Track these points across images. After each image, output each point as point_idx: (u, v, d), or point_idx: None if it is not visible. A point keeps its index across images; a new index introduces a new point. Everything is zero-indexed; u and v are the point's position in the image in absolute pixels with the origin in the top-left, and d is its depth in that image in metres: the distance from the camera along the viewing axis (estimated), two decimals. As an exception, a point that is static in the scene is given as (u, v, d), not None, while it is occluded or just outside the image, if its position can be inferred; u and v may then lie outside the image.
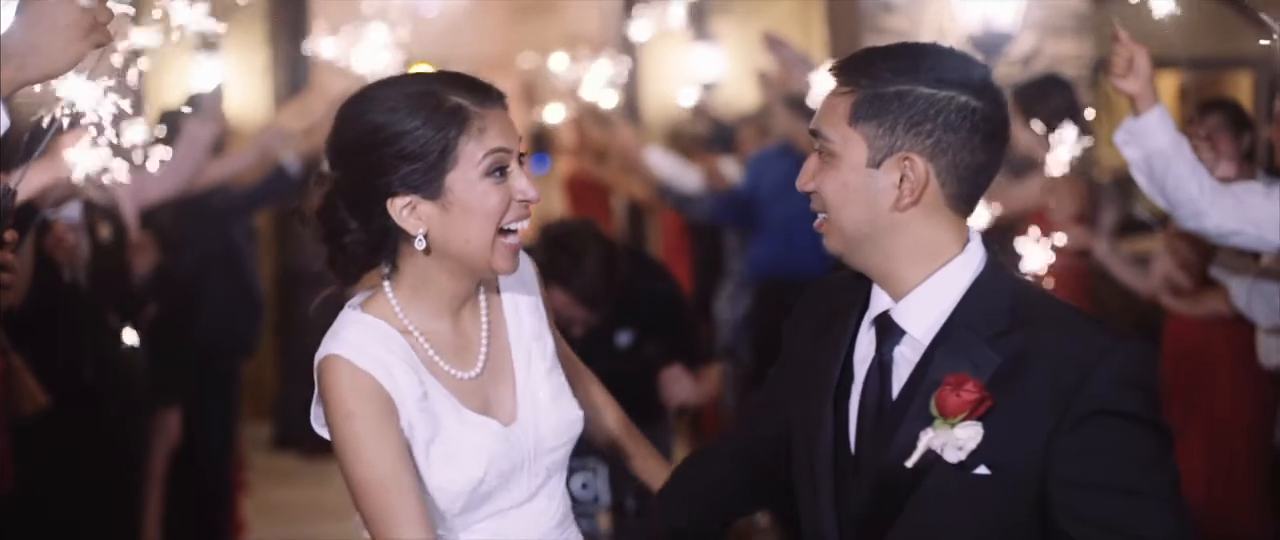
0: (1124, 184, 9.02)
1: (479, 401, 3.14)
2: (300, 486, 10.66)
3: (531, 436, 3.16)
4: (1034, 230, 6.28)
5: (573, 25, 17.70)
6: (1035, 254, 6.58)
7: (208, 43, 8.87)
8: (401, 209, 3.02)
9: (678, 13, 10.55)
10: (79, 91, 3.43)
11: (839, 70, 2.93)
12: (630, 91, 12.38)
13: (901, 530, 2.80)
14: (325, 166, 3.13)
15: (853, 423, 2.92)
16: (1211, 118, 6.66)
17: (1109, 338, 2.78)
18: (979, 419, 2.73)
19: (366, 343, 3.05)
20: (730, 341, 9.59)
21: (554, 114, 12.29)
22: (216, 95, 7.15)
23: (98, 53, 3.24)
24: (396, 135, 2.99)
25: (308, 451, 11.40)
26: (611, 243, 5.49)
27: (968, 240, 2.92)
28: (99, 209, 6.47)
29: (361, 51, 7.95)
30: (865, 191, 2.86)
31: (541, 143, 19.66)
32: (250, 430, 10.02)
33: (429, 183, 3.00)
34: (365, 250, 3.09)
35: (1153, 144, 5.16)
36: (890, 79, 2.85)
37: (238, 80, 11.13)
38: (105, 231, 6.51)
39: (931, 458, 2.76)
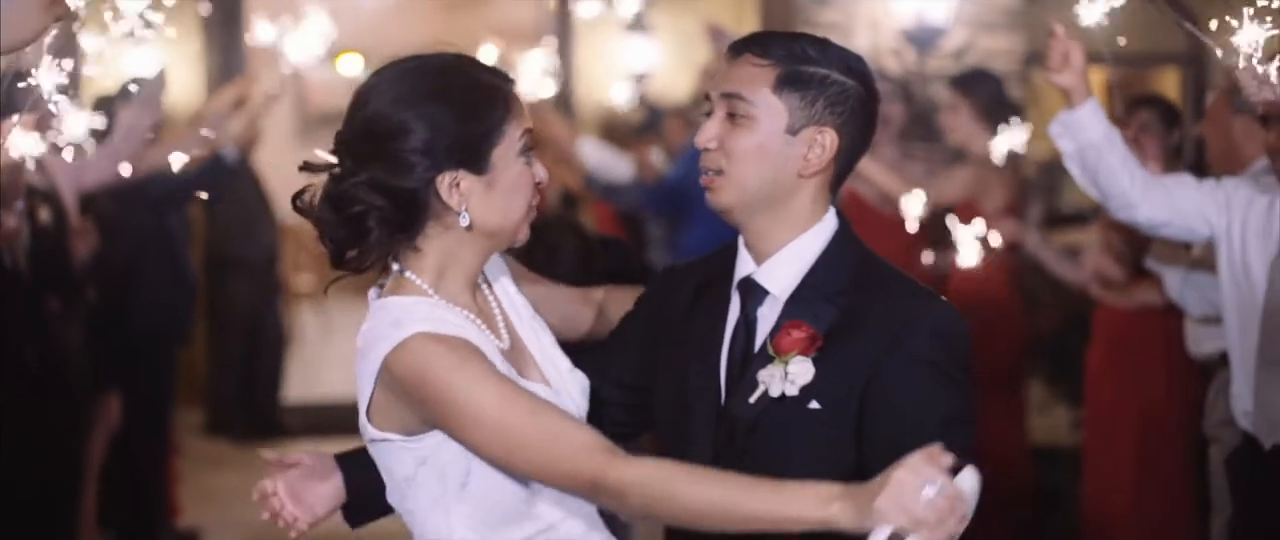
0: (1049, 176, 9.16)
1: (520, 369, 3.15)
2: (231, 472, 10.64)
3: (568, 401, 3.20)
4: (979, 223, 6.39)
5: (503, 16, 17.70)
6: (970, 245, 6.70)
7: (143, 29, 8.81)
8: (448, 185, 3.03)
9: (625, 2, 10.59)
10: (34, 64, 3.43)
11: (759, 44, 3.15)
12: (564, 82, 12.41)
13: (749, 463, 2.95)
14: (333, 153, 3.10)
15: (722, 378, 3.15)
16: (1141, 114, 6.77)
17: (929, 300, 3.12)
18: (811, 358, 3.01)
19: (436, 315, 3.04)
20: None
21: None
22: (158, 82, 7.14)
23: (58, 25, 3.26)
24: (448, 112, 3.02)
25: (238, 437, 11.42)
26: (588, 235, 5.54)
27: (826, 211, 3.18)
28: (39, 193, 6.46)
29: (298, 40, 7.92)
30: (778, 156, 3.12)
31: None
32: (181, 416, 10.00)
33: (477, 159, 3.04)
34: (390, 232, 3.05)
35: (1086, 137, 5.27)
36: (814, 60, 3.12)
37: (170, 67, 11.10)
38: (45, 216, 6.50)
39: (771, 396, 3.04)
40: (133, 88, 7.14)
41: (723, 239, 9.28)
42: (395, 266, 3.12)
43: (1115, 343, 7.03)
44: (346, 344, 13.08)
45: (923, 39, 8.88)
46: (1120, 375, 6.99)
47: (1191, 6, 7.60)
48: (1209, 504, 6.37)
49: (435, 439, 3.01)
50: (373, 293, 3.15)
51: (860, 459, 2.98)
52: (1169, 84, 11.13)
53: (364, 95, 3.08)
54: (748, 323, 3.15)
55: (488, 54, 12.30)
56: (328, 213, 3.08)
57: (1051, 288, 8.86)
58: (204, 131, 7.09)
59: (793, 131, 3.10)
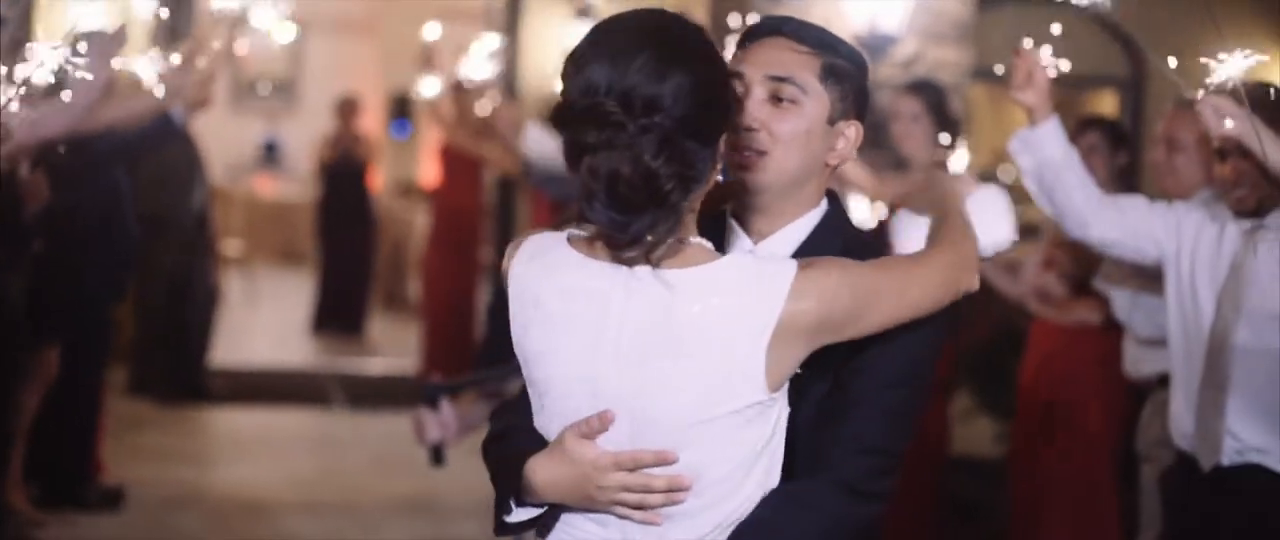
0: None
1: None
2: (154, 431, 10.67)
3: None
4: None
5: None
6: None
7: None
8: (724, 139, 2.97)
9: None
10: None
11: (794, 29, 3.16)
12: (508, 66, 12.44)
13: None
14: (635, 112, 2.78)
15: None
16: (1088, 135, 6.86)
17: None
18: None
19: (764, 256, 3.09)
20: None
21: (430, 86, 12.32)
22: (116, 37, 7.09)
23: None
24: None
25: (161, 398, 11.40)
26: None
27: (824, 195, 3.23)
28: (-8, 144, 6.42)
29: (256, 7, 7.88)
30: (819, 143, 3.14)
31: (403, 108, 19.70)
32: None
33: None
34: (683, 192, 2.84)
35: (1045, 154, 5.36)
36: (845, 54, 3.17)
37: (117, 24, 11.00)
38: (-2, 167, 6.46)
39: None
40: (83, 41, 7.08)
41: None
42: (692, 237, 2.92)
43: (1049, 358, 7.11)
44: (273, 311, 13.23)
45: (875, 45, 8.92)
46: (1052, 390, 7.08)
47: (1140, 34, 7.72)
48: (1136, 521, 6.49)
49: (782, 390, 2.93)
50: (641, 273, 2.85)
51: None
52: (1107, 107, 11.24)
53: (682, 48, 2.85)
54: None
55: (431, 33, 12.37)
56: (650, 175, 2.78)
57: (982, 301, 8.95)
58: (156, 90, 7.03)
59: (831, 122, 3.13)
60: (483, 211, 13.41)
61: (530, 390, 2.96)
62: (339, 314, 15.21)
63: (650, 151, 2.76)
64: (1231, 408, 5.00)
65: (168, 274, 11.32)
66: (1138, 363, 6.32)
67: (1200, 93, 4.56)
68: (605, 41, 2.83)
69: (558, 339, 2.87)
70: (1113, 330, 6.50)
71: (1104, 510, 6.99)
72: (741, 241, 3.19)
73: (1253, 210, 4.98)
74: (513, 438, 3.01)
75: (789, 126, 3.10)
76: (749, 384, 2.83)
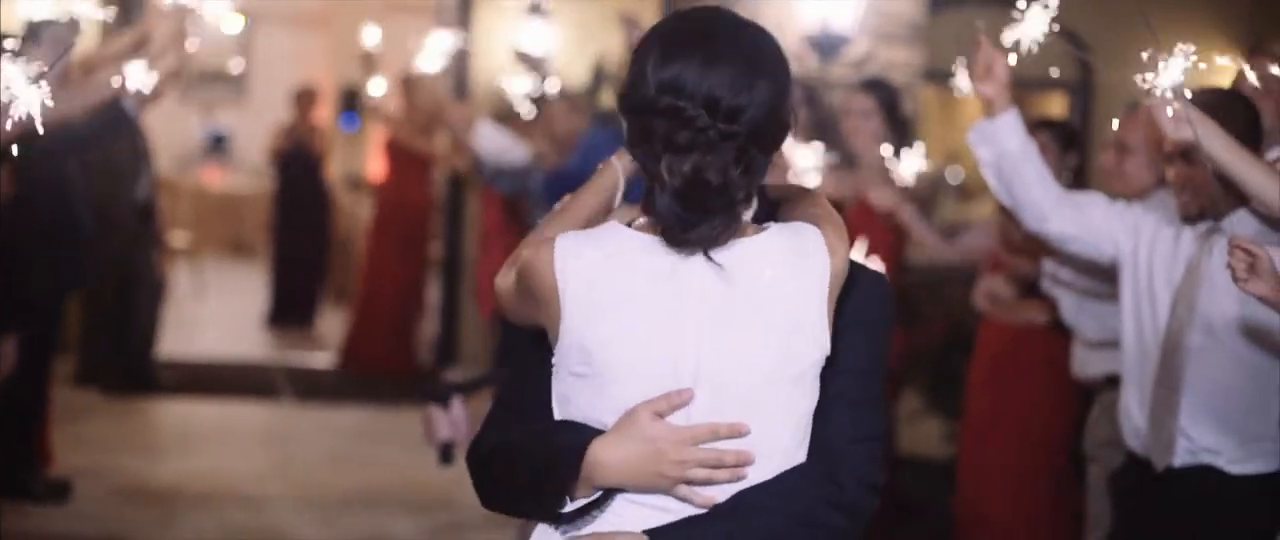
0: (929, 189, 9.29)
1: None
2: (101, 422, 10.64)
3: None
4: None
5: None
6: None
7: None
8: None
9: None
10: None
11: None
12: (459, 63, 12.42)
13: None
14: (718, 118, 2.83)
15: None
16: (1039, 135, 6.88)
17: (861, 268, 3.12)
18: None
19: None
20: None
21: (377, 86, 12.29)
22: (71, 27, 7.08)
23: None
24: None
25: (109, 389, 11.37)
26: None
27: None
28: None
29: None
30: None
31: (352, 102, 19.65)
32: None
33: None
34: (748, 201, 2.94)
35: (1004, 146, 5.40)
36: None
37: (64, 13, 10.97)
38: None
39: None
40: (35, 32, 7.07)
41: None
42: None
43: (997, 358, 7.17)
44: (221, 303, 13.23)
45: (827, 46, 8.99)
46: (999, 390, 7.13)
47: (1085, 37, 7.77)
48: (1083, 520, 6.53)
49: None
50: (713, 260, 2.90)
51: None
52: (1056, 109, 11.31)
53: (759, 52, 2.90)
54: None
55: (371, 37, 12.30)
56: (734, 177, 2.84)
57: (931, 303, 9.01)
58: (114, 79, 7.01)
59: None
60: (432, 207, 13.41)
61: (581, 381, 2.92)
62: (292, 307, 15.20)
63: (732, 160, 2.82)
64: (1185, 409, 5.04)
65: (113, 265, 11.26)
66: (1085, 364, 6.37)
67: (1153, 96, 4.58)
68: (695, 43, 2.85)
69: (630, 322, 2.87)
70: (1060, 331, 6.55)
71: (1050, 510, 7.04)
72: None
73: (1197, 216, 5.02)
74: (552, 433, 2.98)
75: None
76: (813, 343, 2.91)
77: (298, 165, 15.11)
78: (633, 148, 2.92)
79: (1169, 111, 4.62)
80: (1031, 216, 5.47)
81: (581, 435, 2.91)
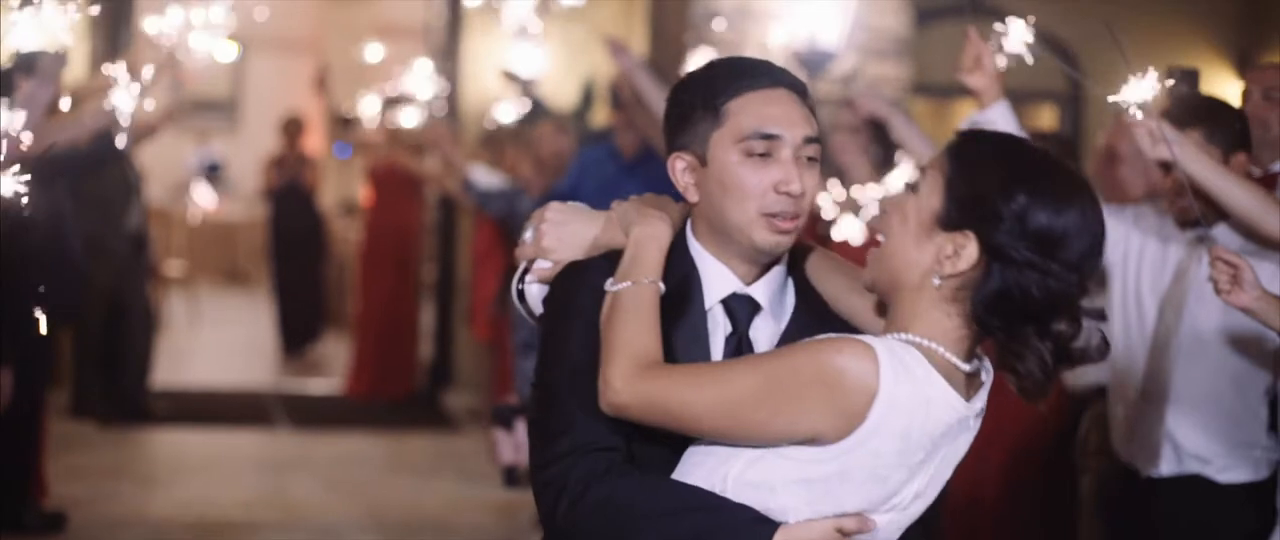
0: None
1: None
2: (95, 453, 10.61)
3: None
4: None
5: (389, 13, 17.69)
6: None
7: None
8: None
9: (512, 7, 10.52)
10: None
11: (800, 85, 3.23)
12: (449, 84, 12.42)
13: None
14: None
15: None
16: (1032, 147, 6.89)
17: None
18: None
19: None
20: (529, 337, 9.71)
21: (370, 105, 12.30)
22: (59, 57, 7.07)
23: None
24: None
25: (102, 419, 11.35)
26: None
27: None
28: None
29: (197, 29, 7.81)
30: None
31: (343, 128, 19.62)
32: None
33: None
34: None
35: None
36: None
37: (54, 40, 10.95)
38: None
39: None
40: (24, 62, 7.06)
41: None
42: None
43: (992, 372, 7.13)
44: (215, 331, 13.19)
45: (814, 62, 8.96)
46: (995, 403, 7.09)
47: (1073, 49, 7.78)
48: (1075, 532, 6.52)
49: None
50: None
51: None
52: (1047, 121, 11.33)
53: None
54: (741, 340, 3.13)
55: (373, 53, 12.34)
56: None
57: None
58: (107, 107, 7.01)
59: None
60: (422, 229, 13.41)
61: (816, 464, 2.93)
62: (295, 336, 15.19)
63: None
64: (1171, 417, 5.04)
65: (105, 295, 11.25)
66: (1077, 374, 6.34)
67: (1137, 114, 4.57)
68: (1087, 211, 2.98)
69: (911, 456, 2.92)
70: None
71: (1043, 524, 7.02)
72: (721, 282, 3.16)
73: (1196, 219, 5.03)
74: (723, 509, 2.95)
75: (814, 183, 3.11)
76: None
77: (291, 195, 15.11)
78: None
79: (1150, 130, 4.63)
80: None
81: (756, 517, 2.93)
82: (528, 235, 3.27)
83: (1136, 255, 5.24)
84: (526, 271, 3.27)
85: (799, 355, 2.90)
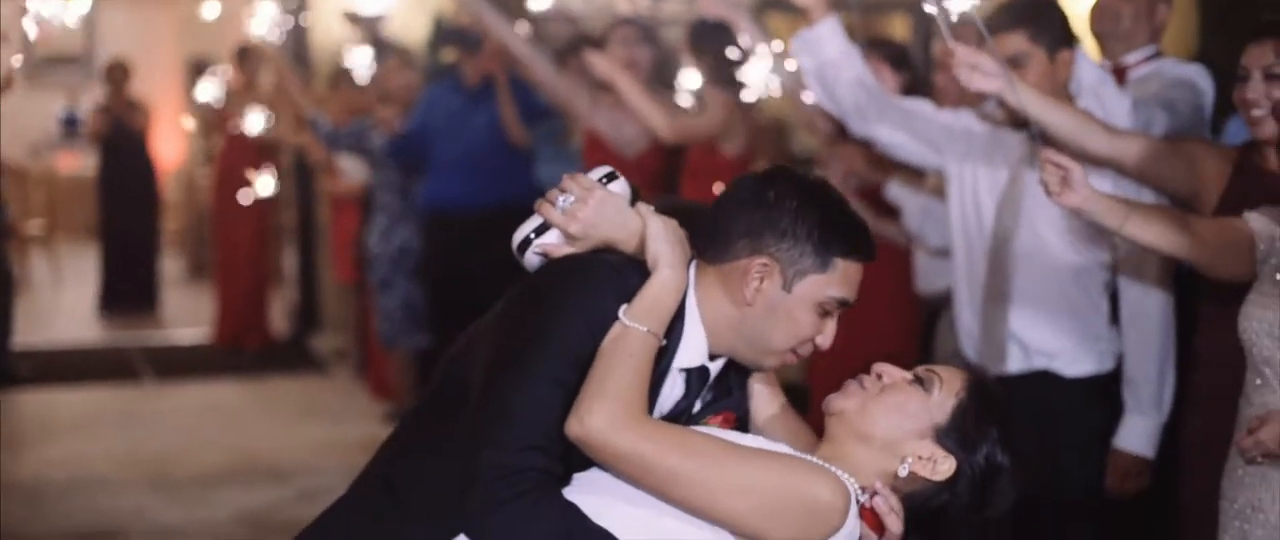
0: (781, 121, 9.29)
1: None
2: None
3: None
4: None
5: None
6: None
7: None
8: None
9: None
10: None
11: None
12: (296, 32, 12.21)
13: None
14: None
15: None
16: (872, 56, 6.89)
17: None
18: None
19: None
20: (387, 274, 9.68)
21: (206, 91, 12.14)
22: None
23: None
24: None
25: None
26: None
27: None
28: None
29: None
30: None
31: (200, 74, 19.37)
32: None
33: None
34: None
35: (825, 53, 5.42)
36: None
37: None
38: None
39: None
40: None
41: (450, 195, 9.34)
42: None
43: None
44: (76, 291, 12.99)
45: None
46: (851, 313, 7.07)
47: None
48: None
49: None
50: None
51: None
52: (898, 30, 11.34)
53: None
54: (688, 409, 3.21)
55: (210, 11, 12.14)
56: None
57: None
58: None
59: None
60: (278, 173, 13.20)
61: None
62: (129, 290, 14.90)
63: None
64: (1015, 316, 5.09)
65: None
66: (929, 277, 6.34)
67: (956, 47, 4.55)
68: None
69: None
70: (907, 249, 6.54)
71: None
72: (694, 350, 3.20)
73: (1024, 122, 5.05)
74: None
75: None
76: None
77: (122, 142, 14.72)
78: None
79: (971, 62, 4.58)
80: (857, 120, 5.49)
81: None
82: (561, 202, 3.19)
83: (973, 159, 5.28)
84: (541, 230, 3.23)
85: (789, 471, 3.03)
